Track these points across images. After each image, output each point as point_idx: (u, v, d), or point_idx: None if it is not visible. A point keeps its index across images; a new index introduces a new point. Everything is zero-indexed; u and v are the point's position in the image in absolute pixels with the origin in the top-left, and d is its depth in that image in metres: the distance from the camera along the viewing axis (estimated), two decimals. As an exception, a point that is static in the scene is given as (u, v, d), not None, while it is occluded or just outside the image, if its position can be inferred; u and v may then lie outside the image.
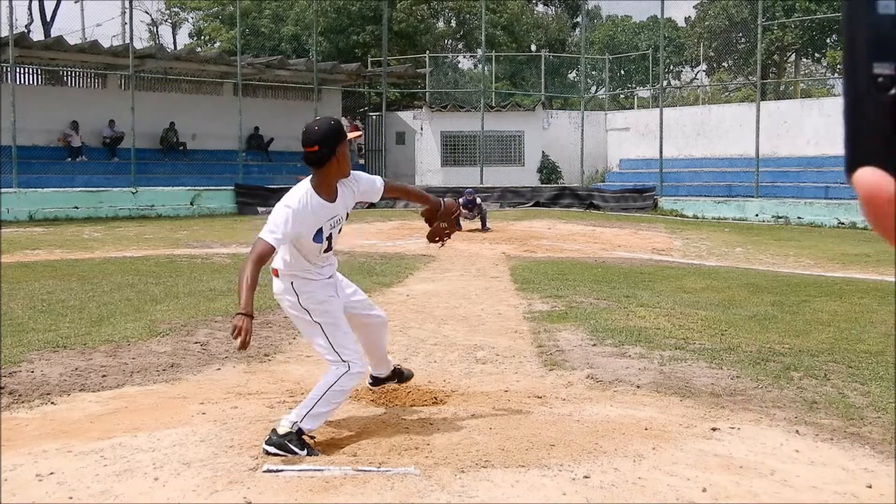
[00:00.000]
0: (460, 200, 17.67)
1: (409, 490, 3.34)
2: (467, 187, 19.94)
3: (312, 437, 3.94)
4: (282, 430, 3.82)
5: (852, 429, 4.34)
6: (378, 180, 4.27)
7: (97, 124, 23.76)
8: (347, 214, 4.14)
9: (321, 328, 3.97)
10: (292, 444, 3.79)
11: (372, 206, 24.65)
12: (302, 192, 3.90)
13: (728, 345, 6.40)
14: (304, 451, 3.79)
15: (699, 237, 16.93)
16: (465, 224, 17.41)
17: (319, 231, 3.93)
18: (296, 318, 4.08)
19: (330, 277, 4.14)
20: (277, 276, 4.06)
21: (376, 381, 4.72)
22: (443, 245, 4.54)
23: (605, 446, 3.91)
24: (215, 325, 7.16)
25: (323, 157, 3.84)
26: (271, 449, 3.78)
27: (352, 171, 4.06)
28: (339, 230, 4.11)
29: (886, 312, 7.92)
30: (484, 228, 17.16)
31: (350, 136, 3.98)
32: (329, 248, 4.07)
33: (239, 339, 3.55)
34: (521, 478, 3.50)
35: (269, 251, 3.80)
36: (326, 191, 3.94)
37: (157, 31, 49.72)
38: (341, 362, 3.93)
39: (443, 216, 4.40)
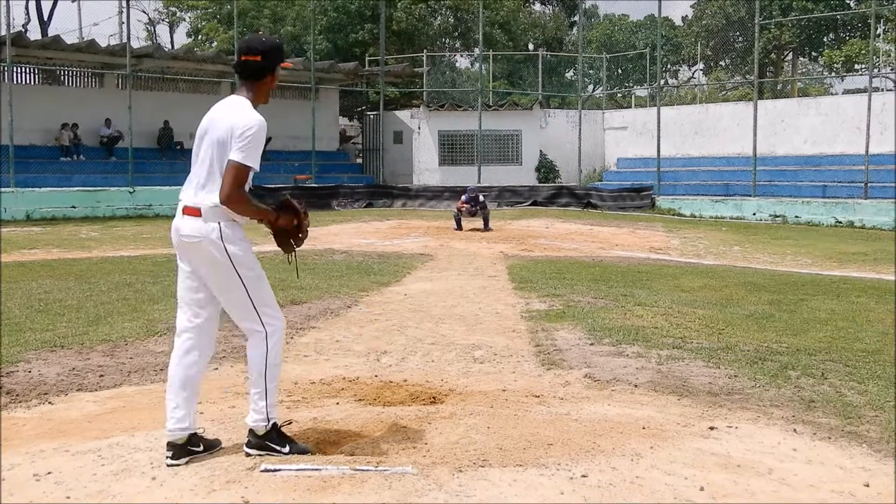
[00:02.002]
0: (463, 198, 17.72)
1: (407, 489, 3.34)
2: (468, 185, 19.94)
3: (289, 422, 3.85)
4: (260, 432, 3.72)
5: (850, 427, 4.35)
6: None
7: (94, 124, 23.74)
8: None
9: (242, 282, 3.62)
10: (273, 442, 3.70)
11: (370, 205, 24.66)
12: (250, 106, 3.66)
13: (725, 344, 6.40)
14: (287, 448, 3.69)
15: (696, 236, 16.94)
16: (466, 223, 17.43)
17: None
18: (217, 270, 3.61)
19: None
20: (200, 215, 3.57)
21: None
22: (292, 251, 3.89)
23: (603, 445, 3.91)
24: (213, 324, 7.16)
25: (264, 70, 3.68)
26: (253, 451, 3.70)
27: None
28: None
29: (884, 311, 7.93)
30: (486, 228, 17.17)
31: (284, 63, 3.78)
32: None
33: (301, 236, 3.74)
34: (518, 477, 3.49)
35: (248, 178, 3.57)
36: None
37: (154, 31, 49.73)
38: (259, 326, 3.66)
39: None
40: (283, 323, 3.81)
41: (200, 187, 3.60)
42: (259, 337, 3.69)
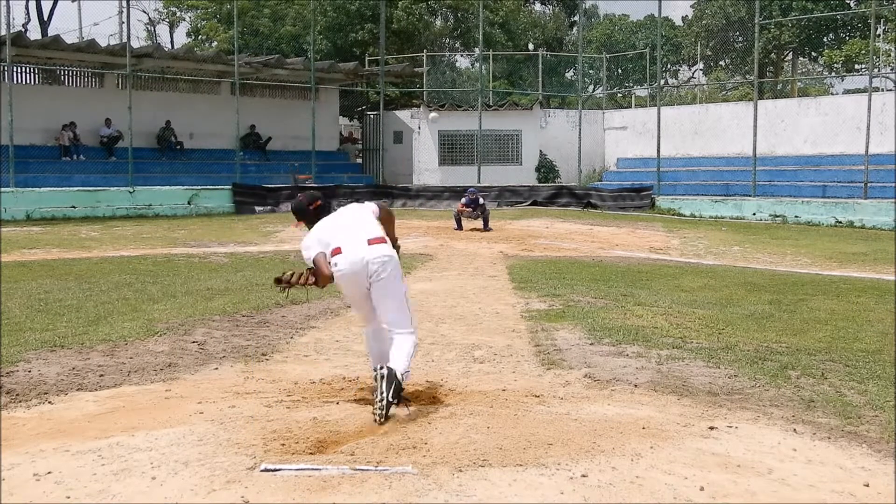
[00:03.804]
0: (463, 200, 17.74)
1: (407, 489, 3.34)
2: (470, 186, 19.94)
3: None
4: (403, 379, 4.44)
5: (849, 427, 4.35)
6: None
7: (94, 124, 23.73)
8: None
9: (405, 292, 4.74)
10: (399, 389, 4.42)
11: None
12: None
13: (725, 343, 6.41)
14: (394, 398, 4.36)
15: (696, 236, 16.93)
16: (466, 223, 17.45)
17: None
18: (395, 277, 4.64)
19: None
20: (385, 242, 4.78)
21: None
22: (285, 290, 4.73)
23: (603, 445, 3.91)
24: (213, 324, 7.16)
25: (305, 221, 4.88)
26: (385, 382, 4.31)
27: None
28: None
29: (884, 311, 7.94)
30: (486, 228, 17.19)
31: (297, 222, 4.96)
32: None
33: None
34: (518, 477, 3.50)
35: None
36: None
37: (154, 31, 49.73)
38: (412, 329, 4.67)
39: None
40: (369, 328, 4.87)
41: None
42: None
